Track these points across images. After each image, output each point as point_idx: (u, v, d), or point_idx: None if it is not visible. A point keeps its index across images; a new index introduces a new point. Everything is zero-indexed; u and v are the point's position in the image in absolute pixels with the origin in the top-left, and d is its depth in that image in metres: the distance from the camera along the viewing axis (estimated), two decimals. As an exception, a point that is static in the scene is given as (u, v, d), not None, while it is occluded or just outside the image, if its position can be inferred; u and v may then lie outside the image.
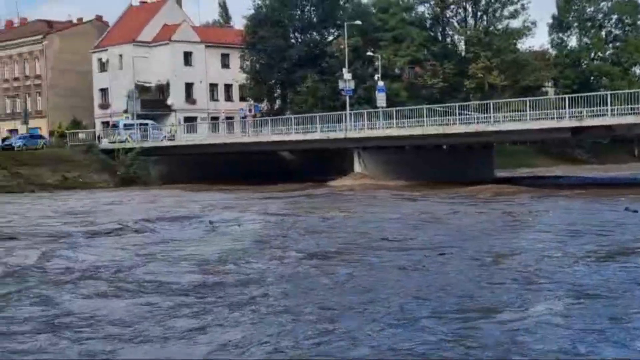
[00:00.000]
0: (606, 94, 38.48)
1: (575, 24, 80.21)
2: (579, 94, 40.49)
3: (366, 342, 9.54)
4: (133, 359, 9.23)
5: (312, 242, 18.85)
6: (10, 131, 69.69)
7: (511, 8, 67.51)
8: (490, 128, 40.50)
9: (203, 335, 9.99)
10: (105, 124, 66.83)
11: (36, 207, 33.41)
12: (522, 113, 40.49)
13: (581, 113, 37.67)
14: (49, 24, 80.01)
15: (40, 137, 61.61)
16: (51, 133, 66.58)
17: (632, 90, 39.00)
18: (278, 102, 67.87)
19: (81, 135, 59.41)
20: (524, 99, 42.32)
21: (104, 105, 72.91)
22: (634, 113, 36.15)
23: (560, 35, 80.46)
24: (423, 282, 13.20)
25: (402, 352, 9.13)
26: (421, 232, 20.61)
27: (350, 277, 13.87)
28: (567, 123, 37.92)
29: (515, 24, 68.12)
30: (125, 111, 63.94)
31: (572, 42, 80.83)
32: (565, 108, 38.26)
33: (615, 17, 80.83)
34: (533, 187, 38.74)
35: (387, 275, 14.07)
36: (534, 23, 68.11)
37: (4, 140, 58.66)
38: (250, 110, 63.96)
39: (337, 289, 12.85)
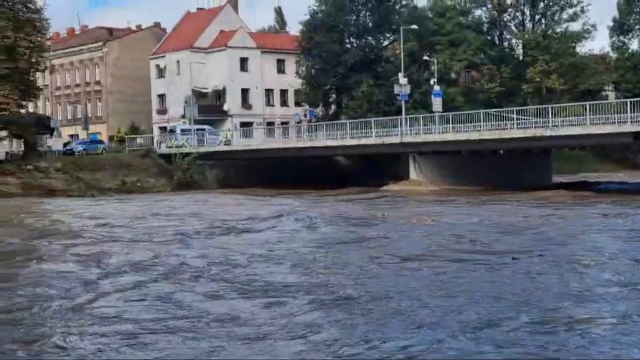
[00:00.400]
0: (669, 98, 37.60)
1: (637, 27, 78.30)
2: (641, 98, 39.58)
3: (462, 346, 9.54)
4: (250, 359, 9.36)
5: (405, 245, 19.06)
6: (72, 136, 71.15)
7: (570, 11, 66.40)
8: (549, 133, 39.81)
9: (316, 335, 10.17)
10: (163, 129, 67.74)
11: (120, 210, 33.36)
12: (581, 117, 39.76)
13: (643, 117, 36.87)
14: (109, 31, 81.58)
15: (100, 142, 62.88)
16: (110, 138, 67.92)
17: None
18: (333, 107, 67.99)
19: (139, 140, 60.39)
20: (584, 103, 41.55)
21: (162, 111, 74.03)
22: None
23: (622, 38, 78.76)
24: (519, 286, 13.08)
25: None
26: (512, 236, 20.41)
27: (447, 280, 13.96)
28: (628, 128, 37.07)
29: (575, 27, 67.04)
30: (183, 116, 64.71)
31: (634, 45, 79.03)
32: (626, 112, 37.36)
33: (678, 19, 78.84)
34: (603, 192, 37.91)
35: (482, 277, 14.14)
36: (593, 26, 66.92)
37: (65, 145, 59.86)
38: (305, 115, 64.15)
39: (435, 291, 12.93)
